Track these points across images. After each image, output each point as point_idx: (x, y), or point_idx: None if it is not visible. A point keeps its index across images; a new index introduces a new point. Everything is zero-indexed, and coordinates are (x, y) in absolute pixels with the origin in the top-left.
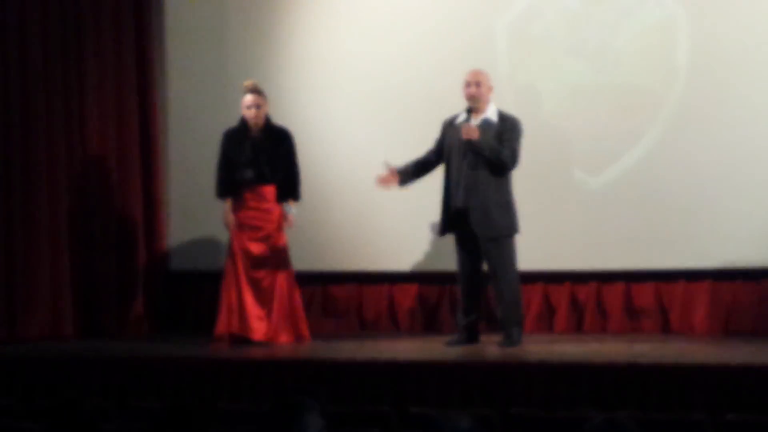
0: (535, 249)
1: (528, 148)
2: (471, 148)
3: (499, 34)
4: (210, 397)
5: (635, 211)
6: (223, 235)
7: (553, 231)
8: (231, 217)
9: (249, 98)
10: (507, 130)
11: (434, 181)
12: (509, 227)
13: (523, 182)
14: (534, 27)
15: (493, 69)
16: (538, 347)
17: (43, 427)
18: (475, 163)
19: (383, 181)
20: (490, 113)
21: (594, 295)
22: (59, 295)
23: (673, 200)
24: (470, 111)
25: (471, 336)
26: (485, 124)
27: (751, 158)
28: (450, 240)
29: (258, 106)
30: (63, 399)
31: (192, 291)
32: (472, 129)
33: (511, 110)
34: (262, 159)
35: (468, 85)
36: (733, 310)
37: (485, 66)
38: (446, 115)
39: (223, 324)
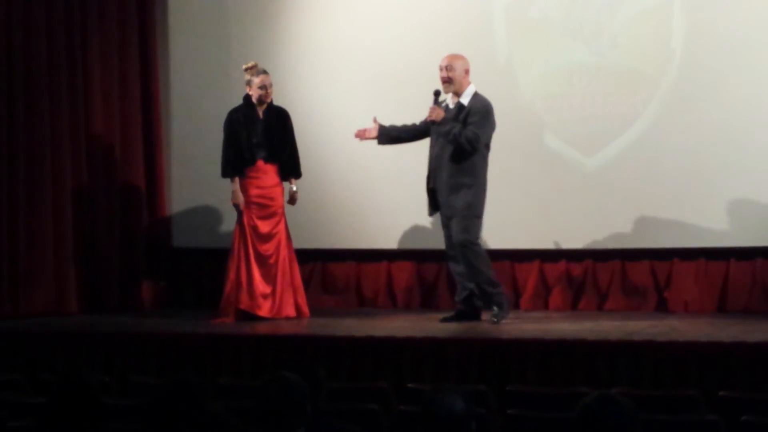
0: (531, 227)
1: (524, 129)
2: (437, 130)
3: (497, 16)
4: (211, 372)
5: (630, 191)
6: (224, 212)
7: (548, 210)
8: (241, 196)
9: (263, 78)
10: (472, 114)
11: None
12: (469, 208)
13: (519, 162)
14: (531, 10)
15: (490, 51)
16: (533, 325)
17: (46, 402)
18: (443, 145)
19: (361, 134)
20: (464, 96)
21: (589, 274)
22: (63, 272)
23: (668, 180)
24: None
25: (468, 312)
26: (458, 108)
27: (744, 139)
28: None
29: (271, 86)
30: (66, 374)
31: (194, 267)
32: (435, 110)
33: (508, 91)
34: (274, 138)
35: (440, 69)
36: (726, 288)
37: (483, 48)
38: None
39: (228, 300)
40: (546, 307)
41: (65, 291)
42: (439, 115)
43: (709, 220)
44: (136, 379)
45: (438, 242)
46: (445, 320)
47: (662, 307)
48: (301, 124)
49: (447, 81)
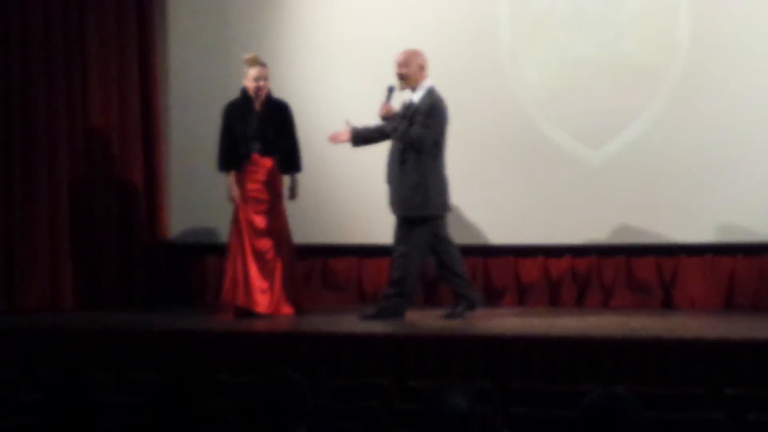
0: (535, 223)
1: (529, 123)
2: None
3: (502, 8)
4: (209, 369)
5: (636, 186)
6: (223, 208)
7: (553, 205)
8: (236, 190)
9: (258, 71)
10: (418, 113)
11: None
12: (418, 207)
13: (522, 156)
14: (536, 2)
15: (495, 43)
16: (537, 321)
17: (42, 399)
18: (396, 143)
19: (335, 138)
20: (416, 93)
21: (594, 270)
22: (59, 267)
23: (674, 175)
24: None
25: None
26: (409, 104)
27: (751, 133)
28: (449, 213)
29: (266, 79)
30: (62, 371)
31: (192, 263)
32: (384, 107)
33: (512, 84)
34: (269, 132)
35: (396, 65)
36: (733, 284)
37: (487, 41)
38: (447, 90)
39: (227, 296)
40: (550, 303)
41: (61, 287)
42: (389, 111)
43: (715, 215)
44: (133, 376)
45: None
46: (448, 316)
47: (668, 304)
48: (301, 114)
49: (401, 77)
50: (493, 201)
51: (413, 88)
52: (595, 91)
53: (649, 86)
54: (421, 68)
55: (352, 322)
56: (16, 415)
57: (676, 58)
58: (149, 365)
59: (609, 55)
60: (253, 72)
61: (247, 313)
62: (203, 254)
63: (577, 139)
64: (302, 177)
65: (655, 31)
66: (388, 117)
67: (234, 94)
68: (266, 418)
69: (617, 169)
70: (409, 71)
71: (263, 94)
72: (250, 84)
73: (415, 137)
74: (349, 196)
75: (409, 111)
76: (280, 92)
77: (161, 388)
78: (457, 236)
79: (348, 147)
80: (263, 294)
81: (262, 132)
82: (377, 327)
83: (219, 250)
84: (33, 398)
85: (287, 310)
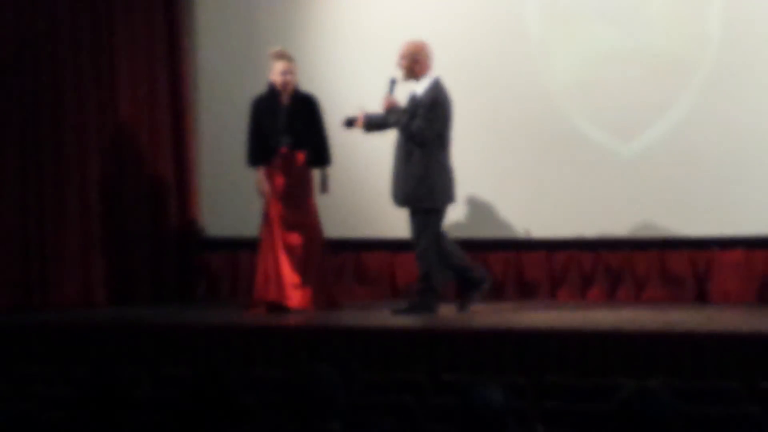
0: (567, 217)
1: (559, 116)
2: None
3: (531, 2)
4: (242, 364)
5: (668, 178)
6: (254, 202)
7: (585, 198)
8: (266, 185)
9: (285, 65)
10: (420, 106)
11: (463, 148)
12: (423, 200)
13: (553, 150)
14: None
15: (525, 35)
16: (571, 315)
17: (75, 395)
18: (401, 135)
19: (353, 122)
20: (419, 86)
21: (627, 263)
22: (91, 262)
23: (707, 167)
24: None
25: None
26: (413, 97)
27: None
28: (479, 207)
29: (292, 73)
30: (95, 366)
31: (225, 257)
32: (385, 99)
33: (543, 76)
34: (298, 125)
35: (398, 57)
36: (767, 278)
37: (516, 34)
38: (474, 83)
39: (259, 291)
40: (583, 297)
41: (93, 282)
42: (392, 103)
43: (749, 208)
44: (166, 371)
45: (470, 231)
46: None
47: (702, 298)
48: (331, 109)
49: (401, 69)
50: (524, 195)
51: (417, 80)
52: (626, 85)
53: (680, 79)
54: (422, 60)
55: (385, 317)
56: (49, 411)
57: (708, 49)
58: (181, 360)
59: (639, 48)
60: (279, 66)
61: (279, 308)
62: (235, 249)
63: (608, 132)
64: (333, 171)
65: (685, 23)
66: (391, 109)
67: (262, 86)
68: (299, 413)
69: (649, 163)
70: (407, 64)
71: (290, 88)
72: (276, 78)
73: (416, 131)
74: (380, 190)
75: (413, 104)
76: (307, 86)
77: (194, 383)
78: (489, 231)
79: (380, 140)
80: (295, 289)
81: (290, 126)
82: (410, 321)
83: (250, 244)
84: (66, 394)
85: (319, 305)
